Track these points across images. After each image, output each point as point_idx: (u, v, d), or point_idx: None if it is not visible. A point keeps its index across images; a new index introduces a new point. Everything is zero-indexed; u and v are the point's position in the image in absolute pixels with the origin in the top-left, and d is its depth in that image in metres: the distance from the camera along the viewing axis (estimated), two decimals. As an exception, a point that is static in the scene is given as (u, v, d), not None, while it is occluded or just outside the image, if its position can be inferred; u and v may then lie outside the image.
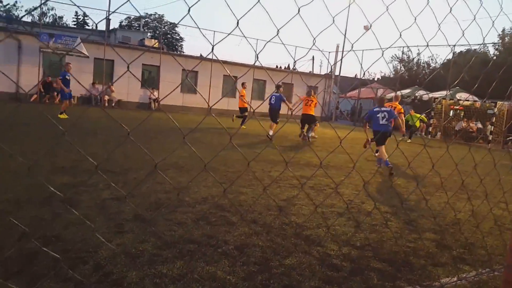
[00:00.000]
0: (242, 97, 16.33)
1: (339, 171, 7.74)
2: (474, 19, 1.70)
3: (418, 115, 17.57)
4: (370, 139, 8.97)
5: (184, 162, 6.96)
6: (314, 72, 32.69)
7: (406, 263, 3.38)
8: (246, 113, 15.13)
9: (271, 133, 12.45)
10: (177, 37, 57.79)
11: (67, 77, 13.31)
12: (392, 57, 38.82)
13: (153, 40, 25.77)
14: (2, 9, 48.53)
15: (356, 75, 40.72)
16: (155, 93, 22.44)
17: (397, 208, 5.17)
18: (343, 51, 27.79)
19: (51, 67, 20.46)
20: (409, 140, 16.65)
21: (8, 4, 49.80)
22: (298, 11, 1.48)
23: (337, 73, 29.80)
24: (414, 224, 4.55)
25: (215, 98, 24.27)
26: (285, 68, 31.91)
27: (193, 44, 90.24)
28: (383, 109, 8.36)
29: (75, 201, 4.25)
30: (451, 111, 21.72)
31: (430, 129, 21.83)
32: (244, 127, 14.88)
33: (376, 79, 37.41)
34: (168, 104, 21.88)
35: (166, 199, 4.67)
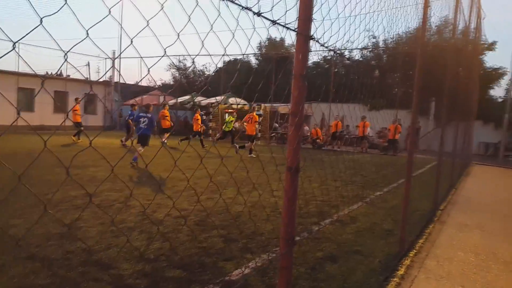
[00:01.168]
0: (76, 111, 15.78)
1: (129, 182, 7.48)
2: (211, 30, 1.89)
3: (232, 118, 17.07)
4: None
5: None
6: (91, 79, 30.60)
7: (200, 265, 3.53)
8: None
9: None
10: None
11: None
12: (169, 65, 40.16)
13: None
14: None
15: (136, 82, 40.32)
16: None
17: (188, 211, 5.36)
18: (120, 57, 27.04)
19: None
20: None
21: None
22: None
23: (116, 80, 28.75)
24: (203, 224, 4.81)
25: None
26: (57, 75, 28.66)
27: None
28: (148, 114, 9.90)
29: None
30: (226, 114, 24.11)
31: (210, 131, 23.66)
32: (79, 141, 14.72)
33: (157, 86, 37.93)
34: None
35: None
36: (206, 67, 39.04)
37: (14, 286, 2.94)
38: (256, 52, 34.01)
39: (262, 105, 21.65)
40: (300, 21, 1.74)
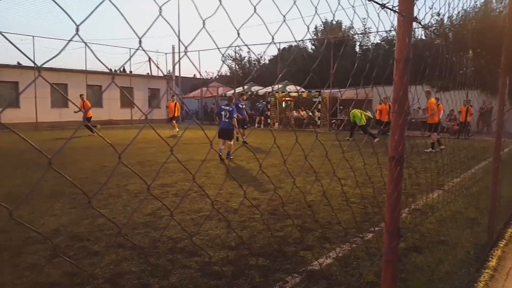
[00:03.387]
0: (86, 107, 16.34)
1: (200, 172, 7.72)
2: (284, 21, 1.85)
3: (358, 112, 15.29)
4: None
5: (19, 191, 5.95)
6: (153, 74, 31.95)
7: (279, 253, 3.56)
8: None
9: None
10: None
11: None
12: (225, 56, 40.69)
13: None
14: None
15: (194, 75, 41.41)
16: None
17: (259, 200, 5.42)
18: (179, 52, 27.84)
19: None
20: (350, 138, 14.41)
21: None
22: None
23: (177, 74, 29.71)
24: (277, 213, 4.84)
25: (44, 111, 21.54)
26: (119, 71, 30.20)
27: (7, 51, 77.90)
28: (229, 107, 9.15)
29: None
30: (283, 103, 24.02)
31: (269, 120, 23.72)
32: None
33: (215, 77, 38.71)
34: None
35: (5, 240, 3.89)
36: (261, 56, 39.07)
37: (113, 272, 3.15)
38: (313, 37, 33.33)
39: (321, 91, 21.24)
40: (403, 3, 1.65)
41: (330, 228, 4.28)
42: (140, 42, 1.02)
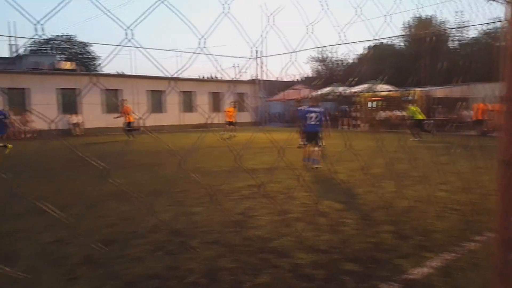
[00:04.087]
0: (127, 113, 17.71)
1: (286, 174, 7.80)
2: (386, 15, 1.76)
3: (414, 108, 15.67)
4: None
5: (123, 189, 6.54)
6: (239, 79, 32.99)
7: (373, 260, 3.43)
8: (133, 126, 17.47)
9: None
10: (90, 57, 54.91)
11: None
12: (309, 58, 40.52)
13: (68, 63, 24.11)
14: None
15: (277, 78, 41.90)
16: (77, 117, 21.10)
17: (349, 204, 5.30)
18: (261, 56, 28.38)
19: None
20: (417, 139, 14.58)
21: None
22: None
23: (260, 78, 30.34)
24: (369, 218, 4.68)
25: (144, 116, 23.44)
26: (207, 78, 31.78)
27: (111, 62, 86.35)
28: (312, 109, 8.54)
29: (13, 252, 3.75)
30: (371, 103, 23.15)
31: (356, 122, 23.05)
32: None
33: (298, 79, 38.77)
34: (92, 127, 20.71)
35: (114, 233, 4.31)
36: (346, 56, 38.16)
37: (209, 267, 3.32)
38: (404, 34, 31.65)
39: (415, 90, 20.02)
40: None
41: (427, 236, 4.01)
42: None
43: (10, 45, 23.25)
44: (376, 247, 3.73)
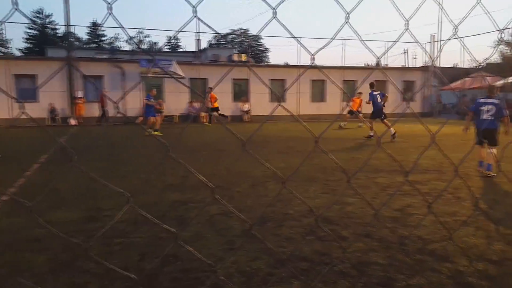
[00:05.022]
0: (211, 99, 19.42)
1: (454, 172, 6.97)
2: None
3: None
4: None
5: (282, 173, 6.86)
6: (409, 66, 30.78)
7: None
8: (216, 113, 19.50)
9: (372, 133, 12.15)
10: (262, 49, 59.10)
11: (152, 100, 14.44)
12: (497, 41, 34.82)
13: (242, 55, 26.46)
14: (106, 41, 54.33)
15: (457, 64, 37.44)
16: (246, 105, 23.02)
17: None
18: (440, 40, 25.67)
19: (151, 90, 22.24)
20: None
21: (111, 37, 55.53)
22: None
23: (433, 64, 27.57)
24: None
25: (304, 105, 24.10)
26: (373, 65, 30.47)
27: (278, 53, 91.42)
28: (489, 100, 6.75)
29: (186, 218, 4.37)
30: None
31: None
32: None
33: (481, 66, 33.85)
34: (259, 115, 22.28)
35: (271, 212, 4.58)
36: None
37: (359, 260, 3.23)
38: None
39: None
40: None
41: None
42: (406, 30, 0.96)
43: (197, 40, 26.55)
44: None
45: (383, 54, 1.96)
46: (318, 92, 24.99)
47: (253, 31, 58.59)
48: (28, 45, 48.42)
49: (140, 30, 54.59)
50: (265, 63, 45.71)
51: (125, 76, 21.19)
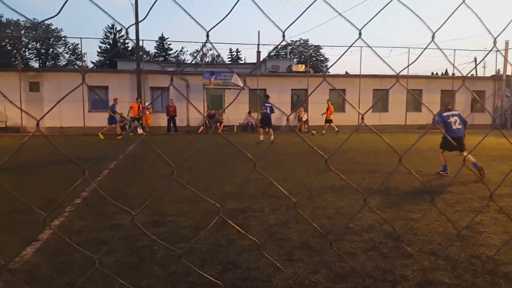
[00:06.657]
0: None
1: None
2: None
3: None
4: None
5: (341, 185, 6.73)
6: (478, 75, 28.97)
7: None
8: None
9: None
10: (322, 59, 58.73)
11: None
12: None
13: (299, 65, 26.48)
14: (172, 55, 57.06)
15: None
16: (305, 114, 22.94)
17: None
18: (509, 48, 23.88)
19: (213, 101, 22.97)
20: None
21: (176, 50, 58.27)
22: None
23: (508, 72, 25.69)
24: None
25: (365, 115, 23.47)
26: (441, 74, 29.01)
27: (338, 62, 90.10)
28: (453, 112, 7.71)
29: (246, 227, 4.45)
30: None
31: None
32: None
33: None
34: (316, 125, 22.07)
35: (330, 225, 4.52)
36: None
37: (423, 278, 3.08)
38: None
39: None
40: None
41: None
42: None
43: (257, 52, 27.04)
44: None
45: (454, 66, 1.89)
46: (380, 102, 24.29)
47: (313, 41, 58.45)
48: (101, 58, 52.17)
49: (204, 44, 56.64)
50: (325, 71, 45.24)
51: (189, 88, 22.09)
